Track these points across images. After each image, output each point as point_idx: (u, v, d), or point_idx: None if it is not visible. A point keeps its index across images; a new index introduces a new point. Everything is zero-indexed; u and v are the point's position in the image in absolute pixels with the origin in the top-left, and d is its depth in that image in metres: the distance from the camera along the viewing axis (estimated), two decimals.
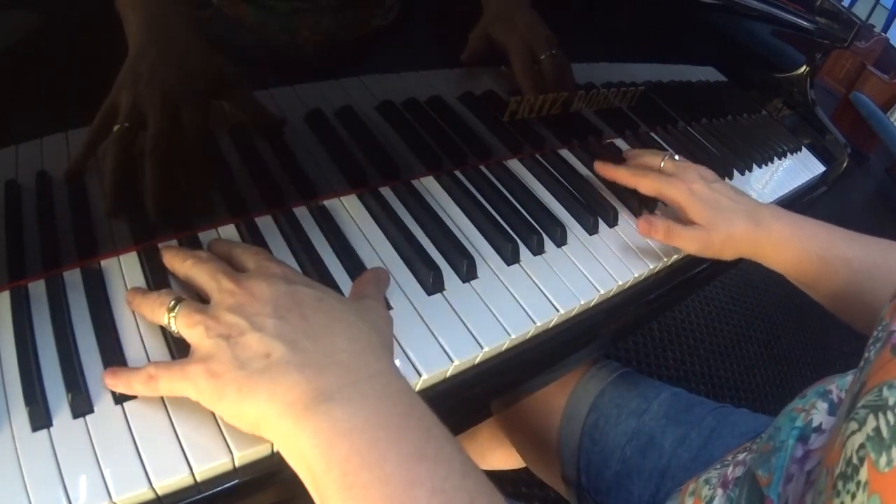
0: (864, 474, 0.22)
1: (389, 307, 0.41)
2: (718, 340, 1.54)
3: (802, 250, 0.50)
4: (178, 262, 0.37)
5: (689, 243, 0.52)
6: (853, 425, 0.24)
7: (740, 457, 0.43)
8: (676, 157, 0.58)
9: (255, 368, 0.29)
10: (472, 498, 0.27)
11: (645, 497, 0.54)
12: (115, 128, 0.32)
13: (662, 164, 0.57)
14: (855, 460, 0.23)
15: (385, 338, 0.35)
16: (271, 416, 0.29)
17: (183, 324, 0.32)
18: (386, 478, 0.27)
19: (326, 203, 0.47)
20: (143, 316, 0.35)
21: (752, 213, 0.52)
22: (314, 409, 0.28)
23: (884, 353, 0.26)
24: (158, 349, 0.35)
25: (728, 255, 0.53)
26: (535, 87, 0.55)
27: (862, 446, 0.23)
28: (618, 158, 0.61)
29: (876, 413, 0.23)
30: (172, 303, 0.33)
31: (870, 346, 0.29)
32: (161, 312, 0.33)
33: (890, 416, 0.22)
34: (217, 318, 0.31)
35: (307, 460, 0.28)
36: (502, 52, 0.51)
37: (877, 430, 0.22)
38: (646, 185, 0.55)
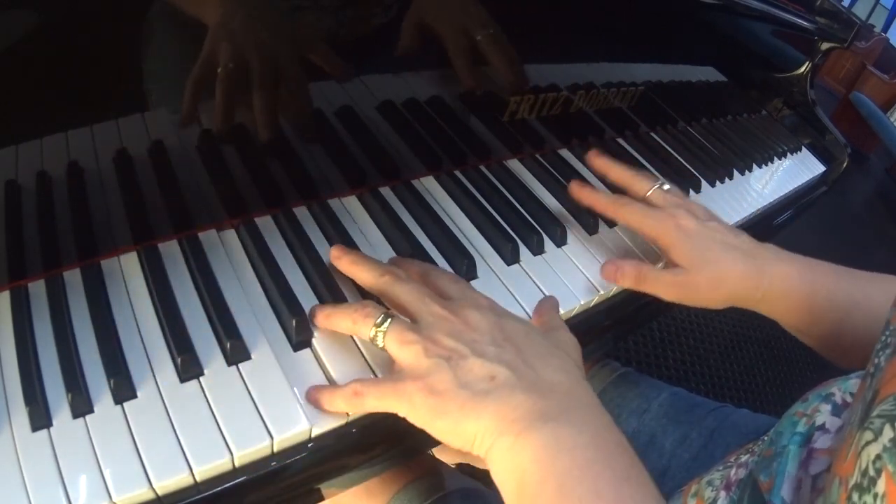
0: (881, 486, 0.22)
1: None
2: (718, 340, 1.54)
3: (810, 295, 0.45)
4: (369, 275, 0.38)
5: (667, 289, 0.46)
6: (868, 435, 0.24)
7: (743, 458, 0.42)
8: (667, 186, 0.50)
9: (479, 389, 0.32)
10: None
11: None
12: (219, 70, 0.35)
13: (649, 194, 0.50)
14: (871, 472, 0.23)
15: (580, 366, 0.37)
16: (492, 432, 0.31)
17: (395, 341, 0.34)
18: (598, 493, 0.29)
19: (326, 203, 0.47)
20: (337, 328, 0.37)
21: (752, 254, 0.46)
22: (539, 428, 0.31)
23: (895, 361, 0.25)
24: (158, 348, 0.35)
25: (717, 302, 0.46)
26: (475, 73, 0.49)
27: (878, 457, 0.22)
28: (618, 158, 0.61)
29: (892, 423, 0.23)
30: (381, 318, 0.34)
31: (878, 351, 0.28)
32: (367, 325, 0.34)
33: None
34: (435, 341, 0.33)
35: (522, 473, 0.30)
36: (439, 42, 0.47)
37: (894, 440, 0.22)
38: (626, 216, 0.48)
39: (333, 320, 0.37)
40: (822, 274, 0.46)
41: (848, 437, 0.26)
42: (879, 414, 0.24)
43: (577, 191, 0.52)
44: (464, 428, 0.32)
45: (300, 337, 0.38)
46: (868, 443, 0.23)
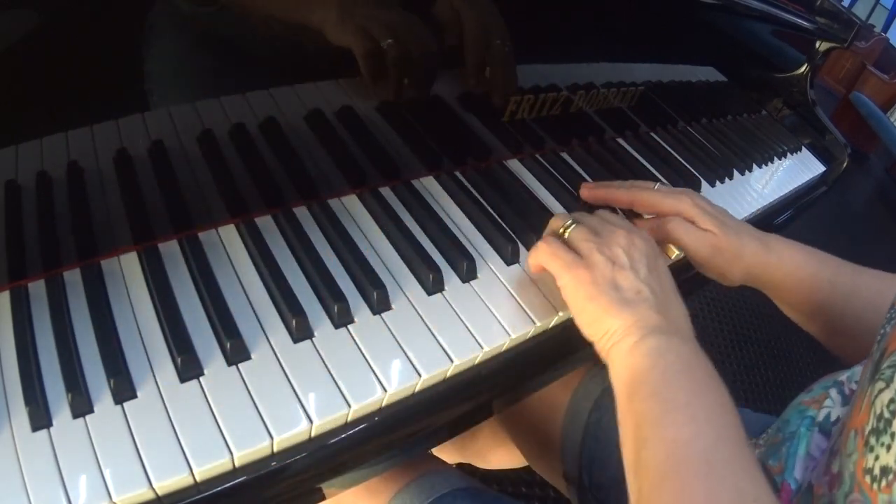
0: None
1: (389, 307, 0.41)
2: (718, 340, 1.54)
3: (814, 276, 0.49)
4: (557, 221, 0.47)
5: (700, 244, 0.49)
6: (880, 384, 0.26)
7: None
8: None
9: (627, 297, 0.40)
10: (735, 442, 0.33)
11: None
12: (383, 44, 0.42)
13: (657, 187, 0.54)
14: (886, 414, 0.24)
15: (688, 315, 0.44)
16: (621, 333, 0.38)
17: (578, 237, 0.43)
18: (692, 376, 0.36)
19: (326, 203, 0.47)
20: (545, 233, 0.47)
21: (761, 236, 0.50)
22: (657, 335, 0.38)
23: None
24: (158, 349, 0.35)
25: (736, 274, 0.50)
26: (482, 73, 0.52)
27: (892, 401, 0.24)
28: (618, 157, 0.61)
29: None
30: (569, 223, 0.45)
31: (884, 325, 0.31)
32: (559, 224, 0.45)
33: None
34: (609, 245, 0.42)
35: (635, 366, 0.37)
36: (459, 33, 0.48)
37: None
38: (644, 199, 0.52)
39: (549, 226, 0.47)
40: (825, 261, 0.50)
41: (860, 394, 0.27)
42: (890, 364, 0.25)
43: (589, 192, 0.56)
44: (603, 320, 0.39)
45: (300, 336, 0.38)
46: (881, 391, 0.25)
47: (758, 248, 0.49)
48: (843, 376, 0.40)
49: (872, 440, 0.24)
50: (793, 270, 0.50)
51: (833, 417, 0.41)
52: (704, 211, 0.50)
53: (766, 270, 0.50)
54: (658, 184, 0.54)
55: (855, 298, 0.49)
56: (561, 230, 0.45)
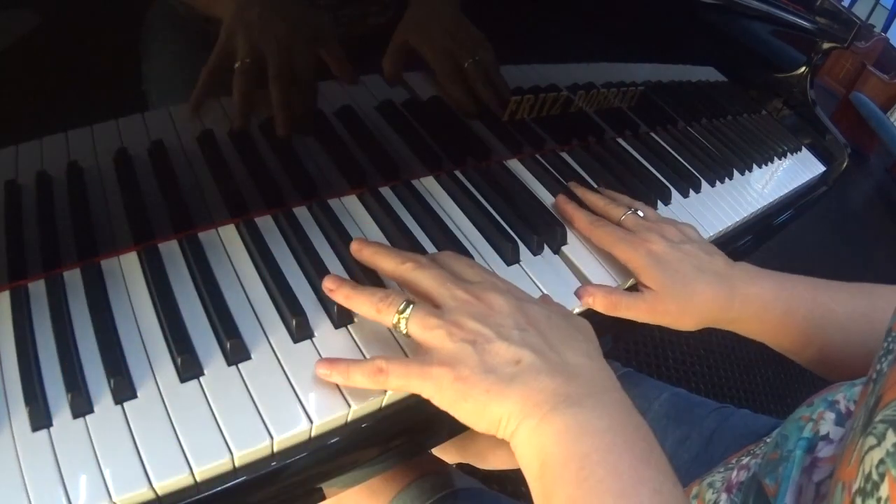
0: (885, 490, 0.22)
1: None
2: (719, 340, 1.54)
3: (787, 313, 0.45)
4: (390, 263, 0.38)
5: (638, 314, 0.46)
6: (871, 440, 0.24)
7: (745, 460, 0.42)
8: (641, 213, 0.52)
9: (505, 374, 0.32)
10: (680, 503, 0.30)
11: None
12: (237, 64, 0.36)
13: (623, 219, 0.51)
14: (875, 476, 0.23)
15: (599, 350, 0.37)
16: (517, 415, 0.32)
17: (418, 326, 0.34)
18: (619, 475, 0.30)
19: (326, 203, 0.47)
20: (358, 311, 0.37)
21: (725, 274, 0.46)
22: (562, 411, 0.31)
23: None
24: (158, 349, 0.35)
25: (688, 324, 0.46)
26: (465, 97, 0.50)
27: (882, 462, 0.22)
28: (618, 157, 0.61)
29: (895, 427, 0.23)
30: (403, 305, 0.35)
31: (880, 357, 0.28)
32: (390, 312, 0.35)
33: None
34: (460, 325, 0.33)
35: (545, 454, 0.31)
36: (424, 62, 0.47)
37: None
38: (600, 238, 0.50)
39: (354, 302, 0.37)
40: (799, 291, 0.46)
41: (851, 443, 0.26)
42: (882, 419, 0.24)
43: (561, 204, 0.54)
44: (490, 411, 0.32)
45: (300, 336, 0.38)
46: (871, 448, 0.23)
47: (716, 292, 0.45)
48: (840, 394, 0.39)
49: (858, 500, 0.23)
50: (759, 313, 0.46)
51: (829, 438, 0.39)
52: (656, 261, 0.46)
53: (726, 314, 0.46)
54: (632, 209, 0.52)
55: (835, 325, 0.45)
56: (394, 322, 0.35)
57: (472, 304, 0.35)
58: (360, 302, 0.36)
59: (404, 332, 0.35)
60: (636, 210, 0.52)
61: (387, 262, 0.39)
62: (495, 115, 0.55)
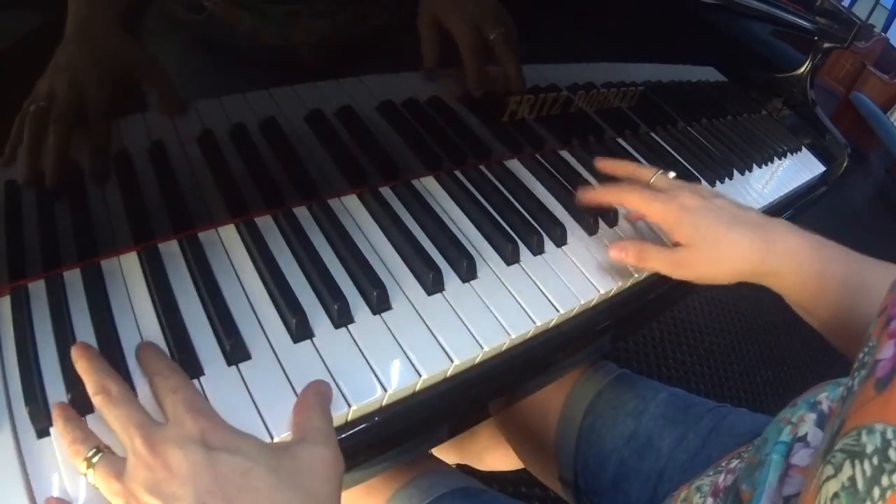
0: None
1: (389, 307, 0.41)
2: (718, 340, 1.54)
3: (822, 275, 0.44)
4: (88, 387, 0.32)
5: (668, 266, 0.46)
6: (829, 470, 0.23)
7: (732, 464, 0.42)
8: (671, 173, 0.52)
9: None
10: None
11: (643, 499, 0.54)
12: (32, 107, 0.31)
13: (653, 180, 0.51)
14: None
15: (327, 494, 0.31)
16: None
17: (101, 481, 0.29)
18: None
19: (326, 203, 0.47)
20: (61, 441, 0.31)
21: (761, 225, 0.45)
22: None
23: (866, 388, 0.24)
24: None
25: (722, 277, 0.46)
26: (483, 74, 0.49)
27: (836, 495, 0.22)
28: (618, 157, 0.61)
29: (853, 460, 0.22)
30: (91, 453, 0.29)
31: (855, 370, 0.27)
32: (78, 457, 0.29)
33: (867, 465, 0.21)
34: (134, 496, 0.28)
35: None
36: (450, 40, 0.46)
37: (852, 479, 0.21)
38: (631, 200, 0.49)
39: (60, 437, 0.30)
40: (834, 254, 0.45)
41: (814, 467, 0.25)
42: (842, 448, 0.23)
43: (582, 195, 0.53)
44: None
45: (300, 336, 0.38)
46: (828, 478, 0.22)
47: (752, 240, 0.44)
48: (823, 395, 0.38)
49: None
50: (796, 268, 0.45)
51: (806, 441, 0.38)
52: (689, 214, 0.45)
53: (761, 265, 0.45)
54: (660, 171, 0.51)
55: (865, 296, 0.44)
56: (83, 470, 0.29)
57: (149, 467, 0.28)
58: (64, 431, 0.30)
59: (91, 483, 0.29)
60: (665, 172, 0.51)
61: (87, 383, 0.32)
62: (495, 115, 0.55)
